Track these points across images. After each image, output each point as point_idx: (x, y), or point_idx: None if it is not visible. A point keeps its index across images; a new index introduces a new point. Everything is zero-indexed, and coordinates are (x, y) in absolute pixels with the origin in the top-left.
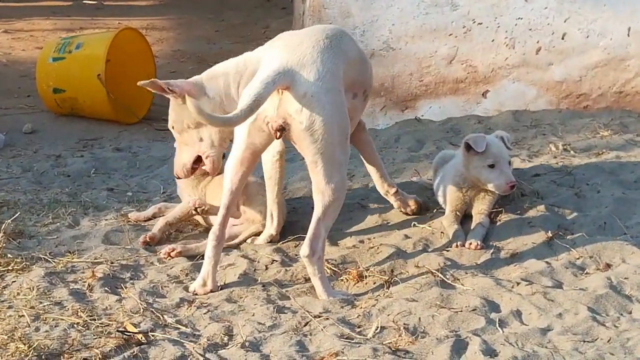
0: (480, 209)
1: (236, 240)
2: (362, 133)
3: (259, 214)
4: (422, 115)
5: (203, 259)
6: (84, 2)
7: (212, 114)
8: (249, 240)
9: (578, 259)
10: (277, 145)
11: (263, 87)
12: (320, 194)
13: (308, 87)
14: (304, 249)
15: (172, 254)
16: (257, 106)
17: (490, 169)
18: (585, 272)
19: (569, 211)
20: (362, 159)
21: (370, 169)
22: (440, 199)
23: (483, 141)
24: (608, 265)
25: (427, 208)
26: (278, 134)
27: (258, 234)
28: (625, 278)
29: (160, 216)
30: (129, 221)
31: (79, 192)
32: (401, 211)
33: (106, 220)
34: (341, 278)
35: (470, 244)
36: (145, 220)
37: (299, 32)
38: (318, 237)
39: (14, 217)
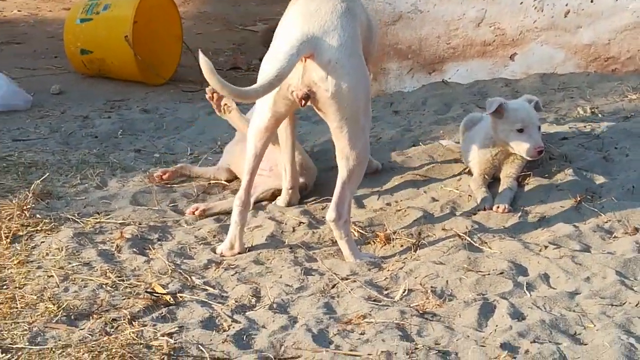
0: (508, 173)
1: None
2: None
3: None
4: (450, 78)
5: (230, 219)
6: None
7: (227, 84)
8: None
9: (606, 222)
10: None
11: (286, 61)
12: (345, 158)
13: (332, 54)
14: (330, 213)
15: (197, 212)
16: (279, 81)
17: (518, 134)
18: (613, 235)
19: (597, 175)
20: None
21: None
22: (469, 162)
23: (494, 103)
24: (636, 229)
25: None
26: (303, 102)
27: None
28: None
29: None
30: (157, 182)
31: (106, 153)
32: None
33: (134, 181)
34: (368, 241)
35: (498, 207)
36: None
37: None
38: (344, 201)
39: (43, 177)
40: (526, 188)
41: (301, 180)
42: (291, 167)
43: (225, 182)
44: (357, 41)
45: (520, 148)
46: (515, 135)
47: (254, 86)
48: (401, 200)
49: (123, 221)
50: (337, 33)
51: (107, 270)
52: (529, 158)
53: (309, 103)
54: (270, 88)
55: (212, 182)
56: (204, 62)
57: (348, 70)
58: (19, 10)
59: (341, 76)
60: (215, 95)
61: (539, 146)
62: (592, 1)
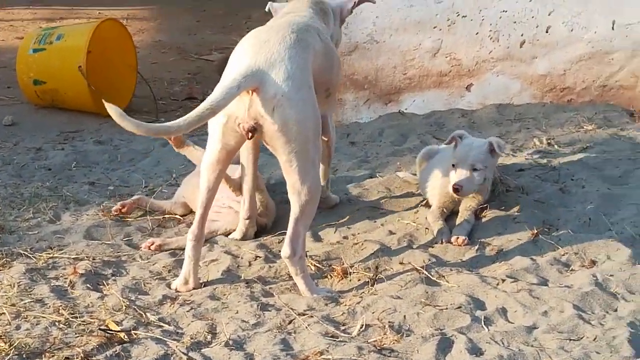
0: (468, 205)
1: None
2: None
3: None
4: (406, 109)
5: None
6: None
7: (142, 124)
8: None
9: (563, 255)
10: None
11: (223, 94)
12: (297, 194)
13: (278, 87)
14: (285, 249)
15: (152, 247)
16: (210, 115)
17: (452, 167)
18: (570, 269)
19: (554, 207)
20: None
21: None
22: (428, 194)
23: (453, 134)
24: (593, 262)
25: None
26: (250, 135)
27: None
28: (610, 275)
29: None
30: (112, 217)
31: (59, 186)
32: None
33: (87, 215)
34: (325, 275)
35: (457, 238)
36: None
37: (266, 27)
38: (298, 237)
39: None
40: (483, 220)
41: (263, 219)
42: (250, 196)
43: (180, 217)
44: (307, 73)
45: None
46: (450, 169)
47: (178, 120)
48: (358, 234)
49: (76, 256)
50: (284, 65)
51: (60, 307)
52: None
53: (256, 136)
54: (198, 121)
55: (167, 215)
56: (111, 108)
57: (295, 104)
58: None
59: (288, 109)
60: None
61: (455, 183)
62: (547, 31)
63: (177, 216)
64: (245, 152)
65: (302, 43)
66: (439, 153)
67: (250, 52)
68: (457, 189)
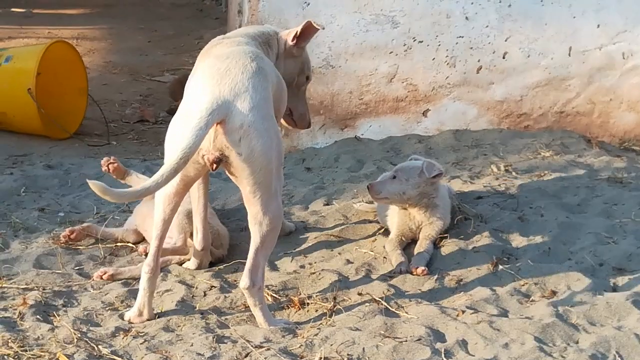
0: (427, 234)
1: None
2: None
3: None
4: (362, 134)
5: (138, 284)
6: (12, 10)
7: (126, 192)
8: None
9: (523, 285)
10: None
11: (194, 139)
12: (258, 224)
13: (244, 118)
14: (244, 280)
15: (105, 276)
16: (185, 162)
17: None
18: (530, 299)
19: (513, 236)
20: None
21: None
22: (387, 223)
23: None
24: (553, 293)
25: None
26: (215, 165)
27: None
28: (571, 306)
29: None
30: (62, 244)
31: (8, 213)
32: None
33: (37, 242)
34: (282, 306)
35: (417, 268)
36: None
37: (220, 56)
38: (257, 268)
39: None
40: (442, 249)
41: (219, 251)
42: (202, 227)
43: (133, 245)
44: (270, 102)
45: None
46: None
47: (154, 177)
48: (315, 263)
49: (26, 286)
50: (249, 95)
51: (9, 340)
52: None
53: (220, 166)
54: (175, 172)
55: (119, 244)
56: (94, 185)
57: (261, 134)
58: None
59: (254, 140)
60: (110, 166)
61: (369, 184)
62: (504, 57)
63: (129, 244)
64: (197, 182)
65: (262, 72)
66: None
67: (212, 82)
68: (368, 187)
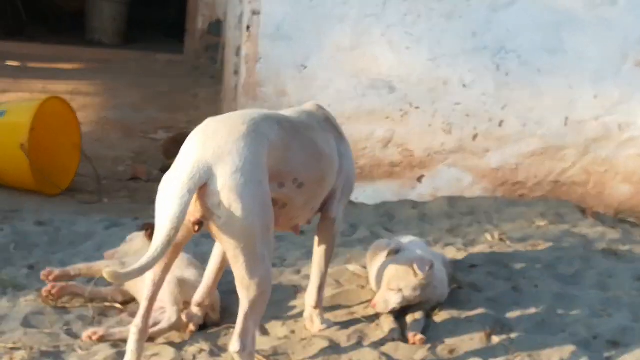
0: (421, 306)
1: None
2: (322, 232)
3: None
4: (356, 199)
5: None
6: (6, 63)
7: (121, 272)
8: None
9: (516, 357)
10: None
11: (180, 209)
12: (245, 289)
13: (225, 182)
14: (234, 344)
15: (94, 337)
16: (176, 231)
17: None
18: None
19: (506, 306)
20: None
21: (313, 267)
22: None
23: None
24: None
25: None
26: (196, 227)
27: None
28: None
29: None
30: (50, 300)
31: None
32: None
33: (26, 300)
34: None
35: (415, 335)
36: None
37: (218, 119)
38: (247, 332)
39: None
40: (435, 317)
41: (215, 315)
42: (208, 285)
43: (121, 306)
44: (257, 166)
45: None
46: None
47: (149, 254)
48: (306, 328)
49: (13, 345)
50: (232, 158)
51: None
52: None
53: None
54: (169, 244)
55: (108, 304)
56: (107, 275)
57: (242, 198)
58: None
59: (234, 205)
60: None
61: (372, 302)
62: (500, 125)
63: (118, 305)
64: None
65: (253, 135)
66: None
67: (199, 145)
68: (372, 306)
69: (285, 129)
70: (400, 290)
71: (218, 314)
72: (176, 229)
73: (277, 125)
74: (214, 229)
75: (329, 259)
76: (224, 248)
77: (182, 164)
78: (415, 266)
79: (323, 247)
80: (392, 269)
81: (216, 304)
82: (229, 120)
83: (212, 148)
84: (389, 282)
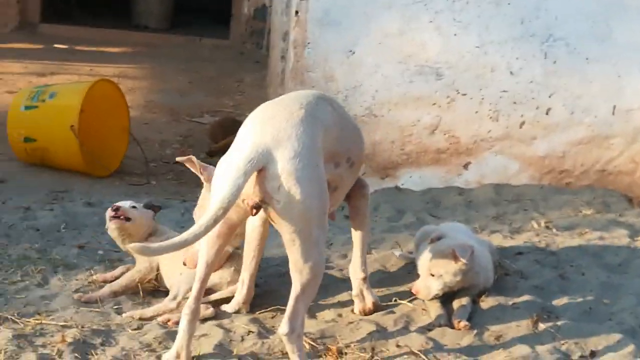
0: (467, 292)
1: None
2: (358, 201)
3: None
4: (402, 184)
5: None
6: (55, 46)
7: (162, 245)
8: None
9: (563, 345)
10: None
11: (232, 190)
12: (298, 272)
13: (284, 166)
14: (283, 327)
15: (169, 323)
16: (224, 213)
17: None
18: (570, 358)
19: (553, 293)
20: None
21: (353, 241)
22: None
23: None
24: (593, 353)
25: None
26: (254, 211)
27: (228, 300)
28: None
29: None
30: (100, 284)
31: (48, 249)
32: (354, 303)
33: (76, 280)
34: (320, 354)
35: (460, 322)
36: (113, 280)
37: (274, 102)
38: (297, 315)
39: None
40: (482, 304)
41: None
42: (249, 282)
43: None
44: (315, 151)
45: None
46: None
47: (193, 229)
48: (353, 312)
49: (65, 323)
50: (291, 143)
51: None
52: None
53: (261, 212)
54: (214, 223)
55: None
56: (133, 248)
57: (301, 182)
58: None
59: (293, 188)
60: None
61: (413, 288)
62: (547, 113)
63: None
64: (251, 231)
65: (310, 119)
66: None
67: (257, 129)
68: (413, 293)
69: (336, 109)
70: (441, 276)
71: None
72: (225, 209)
73: (330, 106)
74: (272, 213)
75: (369, 229)
76: (280, 231)
77: (239, 147)
78: (456, 252)
79: (361, 218)
80: (433, 255)
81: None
82: (285, 104)
83: (271, 132)
84: (430, 268)
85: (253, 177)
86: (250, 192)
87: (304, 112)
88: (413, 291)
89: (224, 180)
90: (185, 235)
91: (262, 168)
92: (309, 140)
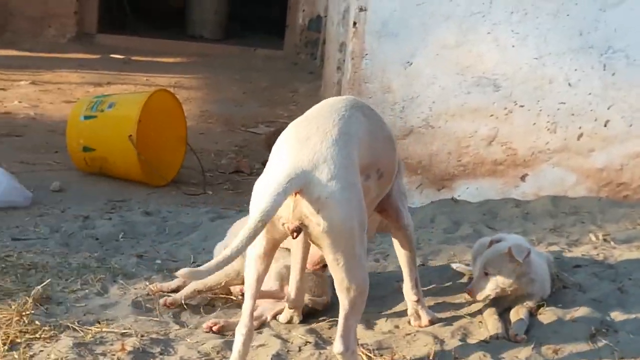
0: (524, 303)
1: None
2: (395, 221)
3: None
4: (459, 196)
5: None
6: (111, 56)
7: (206, 267)
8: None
9: (622, 359)
10: None
11: (271, 204)
12: (345, 291)
13: (322, 189)
14: (337, 345)
15: (215, 328)
16: (262, 226)
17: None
18: None
19: (611, 307)
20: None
21: (401, 262)
22: None
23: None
24: None
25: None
26: (295, 234)
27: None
28: None
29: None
30: (158, 293)
31: (107, 257)
32: (410, 321)
33: (135, 289)
34: None
35: (516, 335)
36: (169, 292)
37: (306, 120)
38: (349, 332)
39: (44, 283)
40: (540, 317)
41: (321, 299)
42: (297, 289)
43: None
44: (352, 170)
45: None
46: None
47: (234, 244)
48: (410, 324)
49: (124, 331)
50: (327, 166)
51: None
52: None
53: (301, 235)
54: (254, 235)
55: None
56: (181, 273)
57: (340, 204)
58: (19, 101)
59: (333, 211)
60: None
61: (467, 288)
62: (605, 125)
63: (226, 295)
64: (296, 242)
65: (344, 137)
66: None
67: (292, 151)
68: (467, 292)
69: (368, 117)
70: (495, 275)
71: (329, 296)
72: (264, 222)
73: (362, 115)
74: (313, 235)
75: (414, 256)
76: (323, 253)
77: (277, 167)
78: (512, 251)
79: (405, 242)
80: (489, 254)
81: (326, 287)
82: (318, 122)
83: (307, 155)
84: (485, 266)
85: (291, 202)
86: (290, 216)
87: (338, 130)
88: (466, 292)
89: (263, 195)
90: (228, 251)
91: (299, 190)
92: (345, 160)
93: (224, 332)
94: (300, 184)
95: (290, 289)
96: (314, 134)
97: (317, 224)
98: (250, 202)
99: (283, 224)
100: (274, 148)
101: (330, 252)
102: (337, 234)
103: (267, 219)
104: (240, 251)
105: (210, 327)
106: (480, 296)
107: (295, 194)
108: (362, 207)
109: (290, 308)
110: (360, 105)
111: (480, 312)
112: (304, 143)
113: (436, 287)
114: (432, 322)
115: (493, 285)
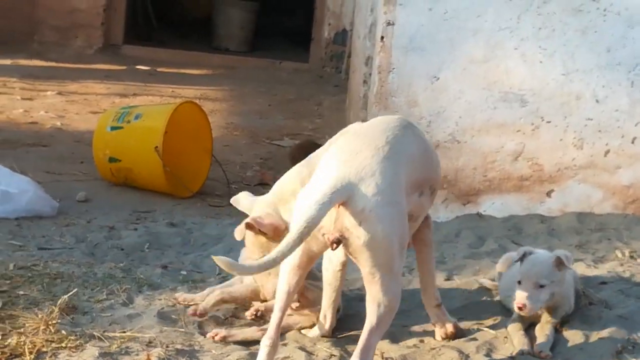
0: (549, 319)
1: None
2: (423, 232)
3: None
4: (484, 211)
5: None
6: (137, 67)
7: (248, 265)
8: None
9: None
10: (341, 255)
11: (317, 211)
12: (376, 305)
13: (366, 202)
14: None
15: (217, 337)
16: (308, 232)
17: (517, 284)
18: None
19: (638, 324)
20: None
21: (421, 272)
22: (508, 304)
23: (520, 251)
24: None
25: (463, 335)
26: (334, 245)
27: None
28: None
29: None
30: (184, 304)
31: (133, 268)
32: (435, 330)
33: (160, 300)
34: None
35: (541, 352)
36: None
37: (361, 134)
38: (369, 349)
39: (70, 293)
40: (565, 333)
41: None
42: (332, 314)
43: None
44: (398, 188)
45: (512, 298)
46: (515, 285)
47: (278, 249)
48: (435, 338)
49: (150, 342)
50: (375, 181)
51: None
52: (512, 309)
53: (340, 247)
54: (299, 241)
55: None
56: (220, 261)
57: (383, 219)
58: (45, 112)
59: (375, 224)
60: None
61: (518, 302)
62: (633, 142)
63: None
64: (332, 275)
65: (395, 156)
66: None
67: (341, 163)
68: (520, 307)
69: (417, 136)
70: (548, 285)
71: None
72: (309, 229)
73: (413, 134)
74: (352, 248)
75: (434, 257)
76: (359, 265)
77: (324, 177)
78: (562, 258)
79: (428, 249)
80: (535, 266)
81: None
82: (371, 137)
83: (355, 167)
84: (537, 278)
85: (333, 213)
86: (331, 227)
87: (390, 147)
88: (516, 306)
89: (308, 202)
90: (274, 254)
91: (344, 202)
92: (392, 177)
93: (226, 342)
94: (346, 195)
95: (324, 316)
96: (365, 148)
97: (357, 236)
98: (294, 209)
99: (323, 234)
100: (323, 160)
101: (367, 265)
102: (377, 248)
103: (312, 226)
104: (285, 255)
105: (213, 337)
106: (533, 309)
107: (339, 205)
108: (404, 225)
109: (323, 336)
110: (410, 124)
111: (505, 327)
112: (354, 156)
113: (462, 301)
114: (456, 328)
115: (546, 296)
